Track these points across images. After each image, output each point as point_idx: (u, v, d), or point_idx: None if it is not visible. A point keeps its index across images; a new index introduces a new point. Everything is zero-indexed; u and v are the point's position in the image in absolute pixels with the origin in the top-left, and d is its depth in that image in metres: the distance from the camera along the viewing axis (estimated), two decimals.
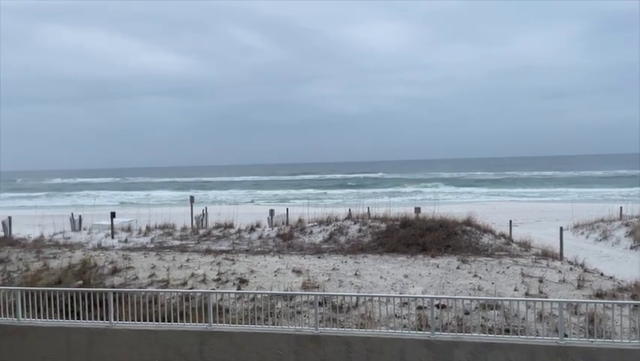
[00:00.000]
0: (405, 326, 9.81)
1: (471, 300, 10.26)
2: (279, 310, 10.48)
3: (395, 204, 25.32)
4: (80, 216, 23.62)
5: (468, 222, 18.02)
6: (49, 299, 10.64)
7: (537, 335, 9.06)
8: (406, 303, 10.62)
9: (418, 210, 19.86)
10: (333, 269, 13.43)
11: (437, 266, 13.68)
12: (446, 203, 44.65)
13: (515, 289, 11.72)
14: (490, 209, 36.80)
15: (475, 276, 12.73)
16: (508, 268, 13.46)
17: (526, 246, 16.89)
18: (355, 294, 10.98)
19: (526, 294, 11.34)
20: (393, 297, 10.32)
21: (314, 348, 9.35)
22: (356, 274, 12.95)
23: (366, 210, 20.57)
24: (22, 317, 10.48)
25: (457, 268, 13.51)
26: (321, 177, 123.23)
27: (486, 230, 17.88)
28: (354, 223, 18.46)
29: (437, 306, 9.93)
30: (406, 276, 12.84)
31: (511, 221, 20.92)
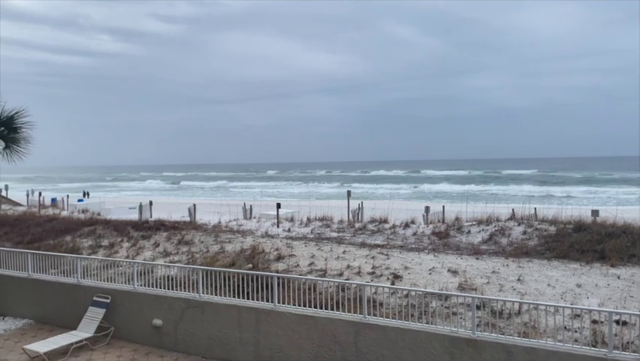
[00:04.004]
0: (576, 341, 8.85)
1: None
2: (434, 310, 10.26)
3: (567, 206, 22.87)
4: (250, 205, 26.01)
5: None
6: (224, 279, 11.97)
7: None
8: (577, 315, 9.58)
9: (595, 213, 17.66)
10: (493, 272, 12.69)
11: (618, 277, 12.05)
12: (629, 206, 39.03)
13: None
14: None
15: None
16: None
17: None
18: (518, 300, 10.22)
19: None
20: (563, 307, 9.37)
21: (470, 352, 8.98)
22: (519, 280, 12.06)
23: (533, 211, 18.98)
24: (203, 293, 11.95)
25: None
26: (476, 173, 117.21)
27: None
28: (518, 225, 17.15)
29: (617, 322, 8.76)
30: (578, 285, 11.56)
31: None
